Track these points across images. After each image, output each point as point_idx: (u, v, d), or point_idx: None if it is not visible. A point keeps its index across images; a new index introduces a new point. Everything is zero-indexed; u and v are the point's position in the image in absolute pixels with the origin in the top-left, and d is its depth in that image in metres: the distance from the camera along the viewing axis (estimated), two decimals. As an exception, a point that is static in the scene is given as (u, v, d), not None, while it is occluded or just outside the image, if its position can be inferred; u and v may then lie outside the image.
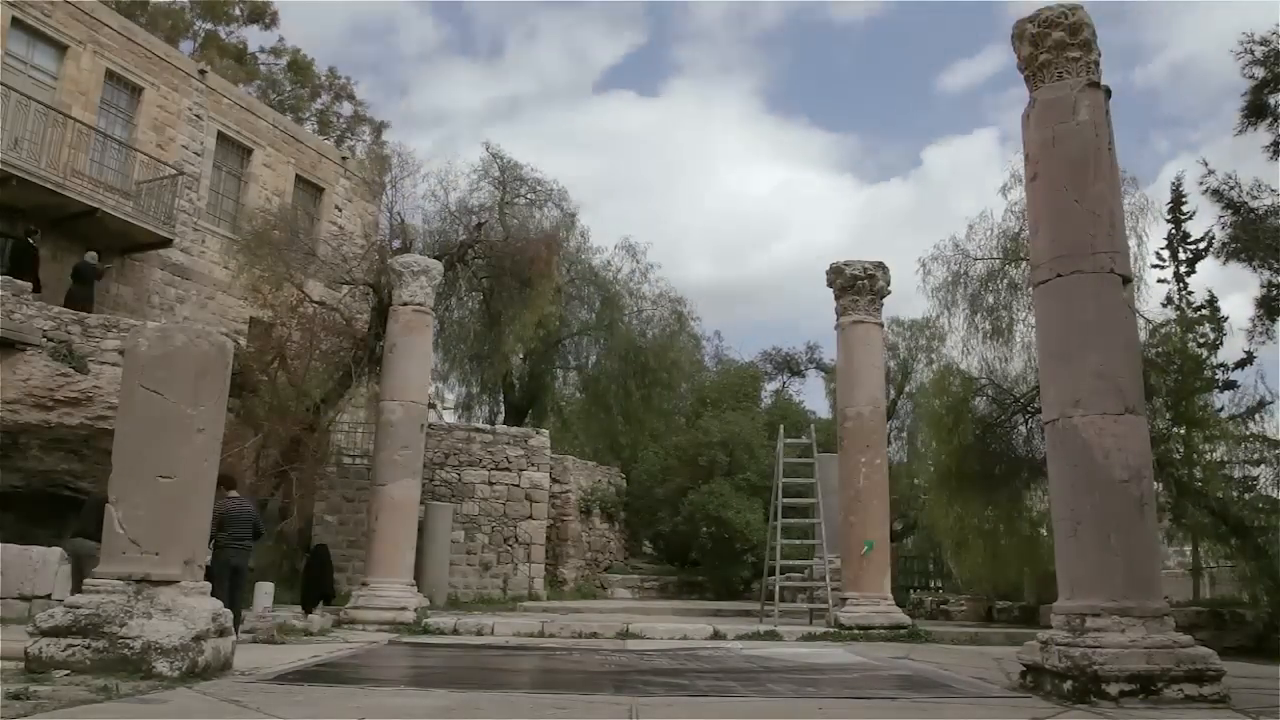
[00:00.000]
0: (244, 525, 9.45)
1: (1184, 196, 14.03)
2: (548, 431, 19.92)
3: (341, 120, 32.38)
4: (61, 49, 16.68)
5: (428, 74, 75.42)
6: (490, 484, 17.87)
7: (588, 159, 69.95)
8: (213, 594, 8.95)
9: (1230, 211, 11.69)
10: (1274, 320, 11.97)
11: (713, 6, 77.70)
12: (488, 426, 20.04)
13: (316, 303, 15.49)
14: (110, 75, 17.45)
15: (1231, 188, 11.59)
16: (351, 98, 32.75)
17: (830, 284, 13.19)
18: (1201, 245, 13.73)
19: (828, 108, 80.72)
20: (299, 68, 31.49)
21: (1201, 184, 11.96)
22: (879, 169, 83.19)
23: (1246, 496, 12.29)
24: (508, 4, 69.77)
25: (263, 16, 30.41)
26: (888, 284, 13.13)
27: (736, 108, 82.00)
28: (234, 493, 9.65)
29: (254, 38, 31.44)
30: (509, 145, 51.63)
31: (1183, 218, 14.16)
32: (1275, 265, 11.53)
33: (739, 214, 69.60)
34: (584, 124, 74.86)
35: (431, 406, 18.55)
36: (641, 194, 68.49)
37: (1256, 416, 12.52)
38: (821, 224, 71.93)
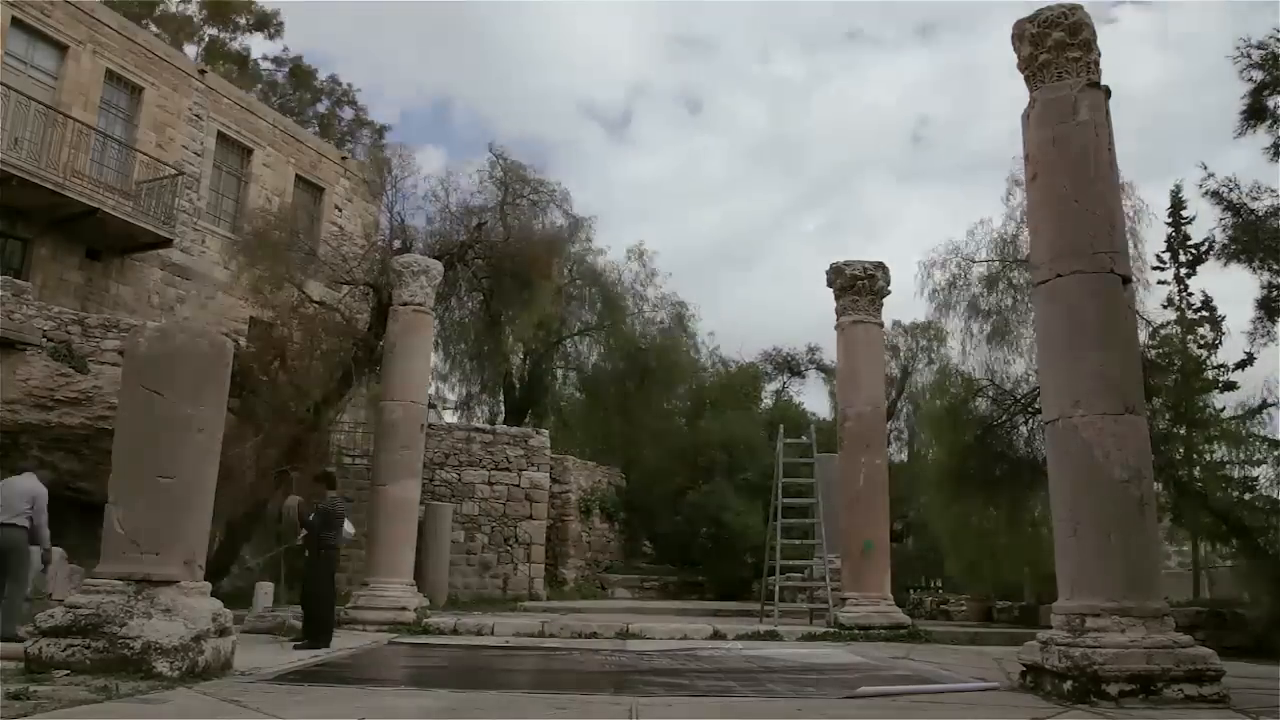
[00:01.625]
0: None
1: (1183, 202, 14.22)
2: (548, 431, 19.93)
3: (343, 124, 32.35)
4: (61, 49, 16.67)
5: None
6: (490, 484, 17.90)
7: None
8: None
9: (1230, 213, 11.69)
10: (1274, 321, 11.96)
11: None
12: (488, 426, 20.05)
13: (317, 303, 15.49)
14: (110, 75, 17.44)
15: (1231, 190, 11.60)
16: (353, 104, 32.76)
17: (830, 284, 13.17)
18: (1202, 248, 13.82)
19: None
20: (301, 74, 31.48)
21: (1201, 186, 11.98)
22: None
23: (1246, 497, 12.28)
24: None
25: (268, 25, 30.43)
26: (888, 284, 13.13)
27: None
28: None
29: (257, 46, 31.57)
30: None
31: (1183, 221, 14.31)
32: (1275, 267, 11.52)
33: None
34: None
35: (432, 406, 18.56)
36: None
37: (1257, 417, 12.53)
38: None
